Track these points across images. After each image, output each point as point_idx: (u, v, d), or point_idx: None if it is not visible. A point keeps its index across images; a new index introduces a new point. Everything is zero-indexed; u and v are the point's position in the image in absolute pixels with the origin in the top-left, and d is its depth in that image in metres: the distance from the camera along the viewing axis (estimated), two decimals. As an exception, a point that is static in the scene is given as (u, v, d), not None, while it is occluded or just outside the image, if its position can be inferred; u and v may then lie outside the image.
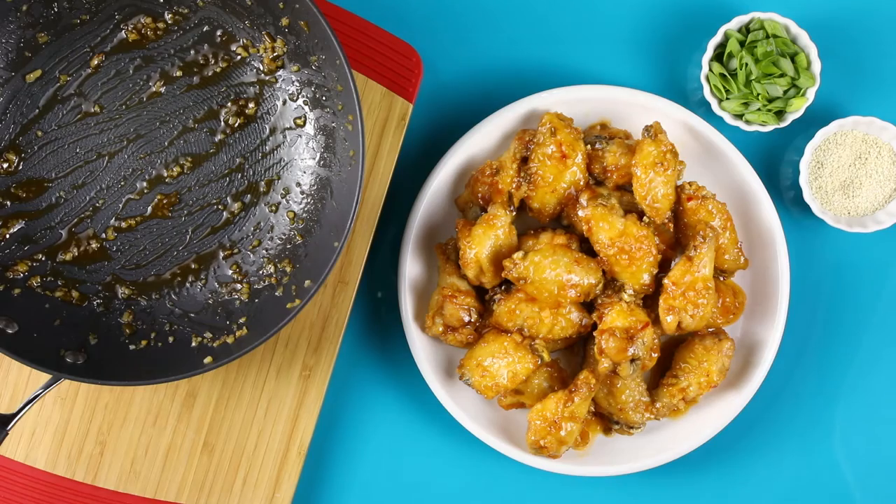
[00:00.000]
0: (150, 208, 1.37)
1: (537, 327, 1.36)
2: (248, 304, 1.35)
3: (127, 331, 1.35)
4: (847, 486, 1.44)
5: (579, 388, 1.35)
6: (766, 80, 1.40)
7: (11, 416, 1.28)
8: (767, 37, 1.41)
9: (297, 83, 1.36)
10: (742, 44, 1.41)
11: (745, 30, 1.42)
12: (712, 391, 1.39)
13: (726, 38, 1.42)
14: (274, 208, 1.38)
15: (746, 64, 1.40)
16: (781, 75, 1.41)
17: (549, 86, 1.44)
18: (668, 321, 1.34)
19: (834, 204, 1.42)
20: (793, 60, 1.41)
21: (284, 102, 1.37)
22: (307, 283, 1.32)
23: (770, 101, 1.41)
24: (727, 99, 1.42)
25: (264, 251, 1.37)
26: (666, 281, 1.34)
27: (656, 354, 1.36)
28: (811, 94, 1.41)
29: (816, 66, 1.40)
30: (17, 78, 1.35)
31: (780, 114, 1.42)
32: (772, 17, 1.40)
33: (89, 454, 1.39)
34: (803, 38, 1.40)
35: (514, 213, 1.37)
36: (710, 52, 1.41)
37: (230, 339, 1.33)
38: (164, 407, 1.39)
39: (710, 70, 1.42)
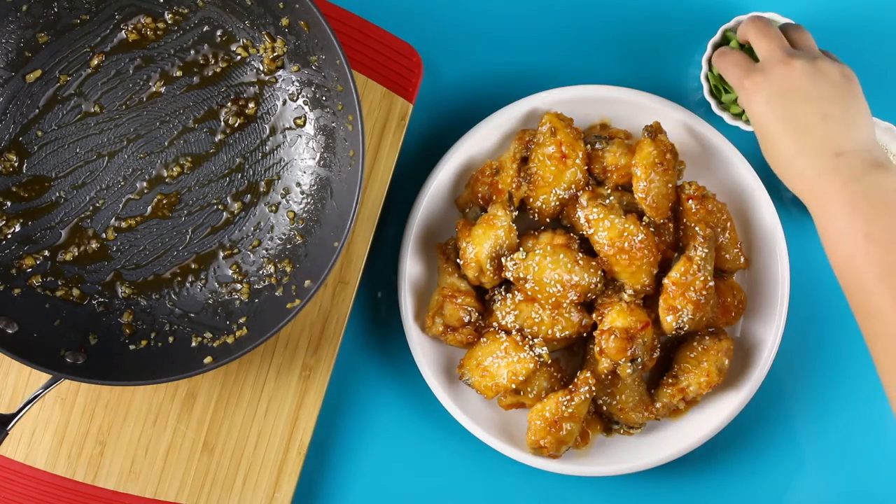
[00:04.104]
0: (150, 208, 1.37)
1: (537, 327, 1.36)
2: (248, 304, 1.35)
3: (127, 331, 1.35)
4: (846, 485, 1.44)
5: (579, 388, 1.35)
6: (766, 80, 1.40)
7: (11, 416, 1.28)
8: (767, 37, 1.41)
9: (297, 83, 1.36)
10: (742, 44, 1.41)
11: (745, 30, 1.42)
12: (712, 391, 1.39)
13: (726, 38, 1.42)
14: (274, 208, 1.38)
15: (746, 64, 1.40)
16: (781, 75, 1.41)
17: (549, 86, 1.44)
18: (668, 321, 1.34)
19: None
20: (793, 60, 1.41)
21: (284, 102, 1.37)
22: (307, 283, 1.32)
23: (770, 101, 1.41)
24: (727, 99, 1.42)
25: (264, 251, 1.37)
26: (666, 281, 1.34)
27: (656, 354, 1.36)
28: (811, 94, 1.41)
29: (816, 66, 1.40)
30: (17, 78, 1.35)
31: (780, 114, 1.42)
32: (772, 17, 1.40)
33: (89, 454, 1.39)
34: (803, 38, 1.41)
35: (515, 213, 1.37)
36: (709, 52, 1.41)
37: (230, 339, 1.33)
38: (164, 407, 1.39)
39: (710, 70, 1.42)
